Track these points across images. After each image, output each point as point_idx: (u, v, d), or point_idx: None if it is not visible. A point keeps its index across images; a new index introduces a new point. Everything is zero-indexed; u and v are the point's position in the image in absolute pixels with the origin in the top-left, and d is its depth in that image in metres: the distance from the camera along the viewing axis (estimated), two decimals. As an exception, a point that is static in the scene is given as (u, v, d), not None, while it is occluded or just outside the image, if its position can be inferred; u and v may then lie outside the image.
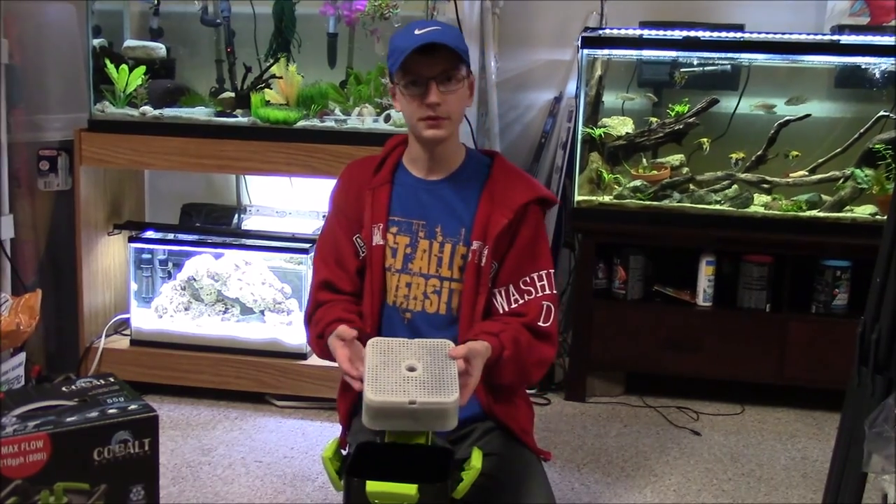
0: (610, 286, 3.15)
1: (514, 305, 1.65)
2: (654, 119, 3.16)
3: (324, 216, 3.14)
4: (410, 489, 1.38)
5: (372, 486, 1.40)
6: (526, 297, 1.65)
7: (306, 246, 2.90)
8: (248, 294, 2.99)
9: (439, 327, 1.68)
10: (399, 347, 1.48)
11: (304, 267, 2.96)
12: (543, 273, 1.66)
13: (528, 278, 1.66)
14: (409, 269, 1.69)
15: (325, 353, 1.65)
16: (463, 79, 1.61)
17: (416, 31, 1.57)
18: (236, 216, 3.18)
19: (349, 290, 1.72)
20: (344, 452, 1.57)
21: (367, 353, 1.46)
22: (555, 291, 1.67)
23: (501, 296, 1.66)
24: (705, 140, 3.09)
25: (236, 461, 2.56)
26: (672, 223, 3.05)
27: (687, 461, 2.66)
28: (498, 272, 1.66)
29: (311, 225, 3.08)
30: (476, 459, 1.47)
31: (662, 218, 3.07)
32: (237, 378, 2.94)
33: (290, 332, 2.95)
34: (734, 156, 3.09)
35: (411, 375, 1.42)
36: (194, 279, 3.03)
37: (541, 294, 1.65)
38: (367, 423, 1.41)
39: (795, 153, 3.07)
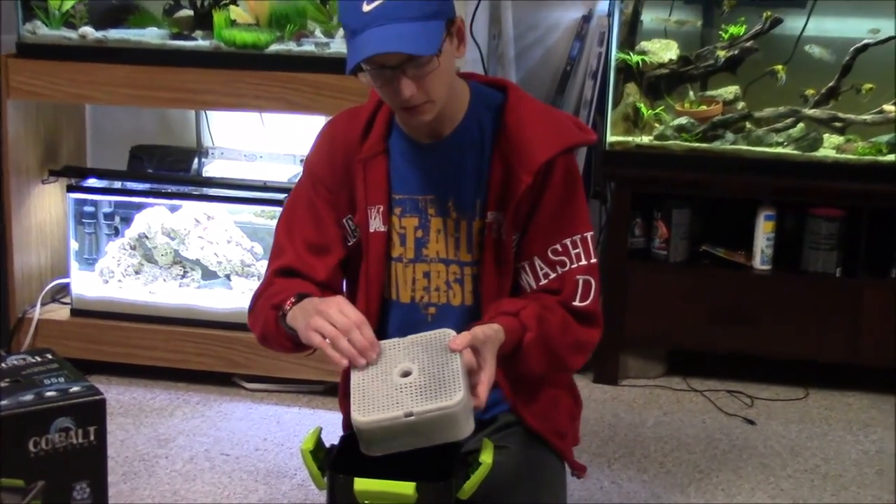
0: (648, 246, 3.15)
1: (543, 282, 1.63)
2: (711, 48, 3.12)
3: (301, 160, 3.14)
4: (407, 488, 1.39)
5: (361, 484, 1.40)
6: (559, 269, 1.62)
7: (281, 197, 2.89)
8: (212, 255, 2.99)
9: (469, 322, 1.63)
10: (389, 350, 1.47)
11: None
12: (578, 238, 1.63)
13: (558, 246, 1.63)
14: (423, 256, 1.67)
15: (279, 340, 1.60)
16: (439, 54, 1.50)
17: (365, 7, 1.46)
18: (196, 161, 3.18)
19: (322, 279, 1.68)
20: (328, 445, 1.57)
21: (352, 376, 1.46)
22: (594, 260, 1.64)
23: (527, 272, 1.64)
24: (780, 68, 3.05)
25: (199, 454, 2.57)
26: (724, 169, 3.05)
27: (738, 455, 2.68)
28: (521, 243, 1.65)
29: (287, 171, 3.08)
30: (486, 454, 1.47)
31: (712, 163, 3.06)
32: (199, 356, 2.95)
33: None
34: (810, 92, 3.06)
35: (405, 382, 1.41)
36: (146, 237, 3.03)
37: (576, 265, 1.62)
38: (366, 451, 1.41)
39: (868, 86, 3.04)
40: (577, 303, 1.61)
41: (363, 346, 1.44)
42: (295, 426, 2.74)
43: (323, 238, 1.70)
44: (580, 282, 1.62)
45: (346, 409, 1.73)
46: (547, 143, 1.61)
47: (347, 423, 1.75)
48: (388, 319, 1.73)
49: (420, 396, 1.39)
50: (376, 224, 1.67)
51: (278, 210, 2.89)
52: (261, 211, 3.03)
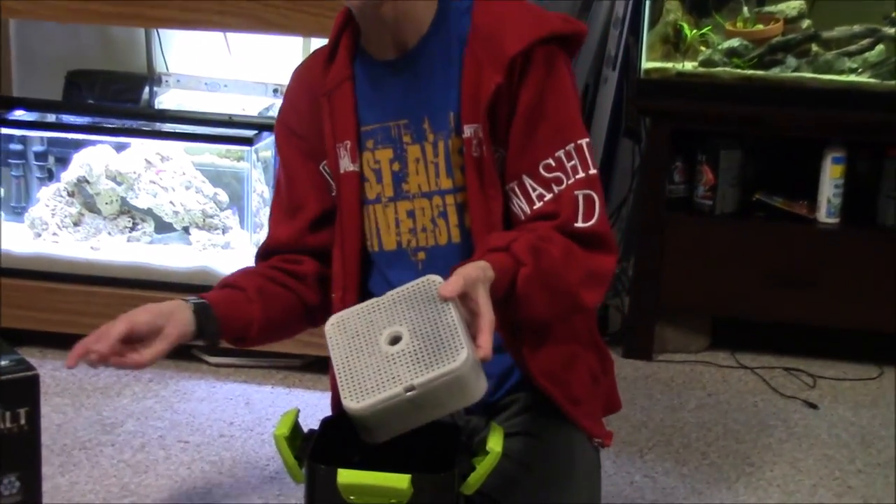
0: (691, 194, 3.15)
1: (538, 205, 1.64)
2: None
3: (276, 90, 3.12)
4: (401, 481, 1.39)
5: (346, 476, 1.40)
6: (554, 188, 1.64)
7: (250, 134, 2.88)
8: (166, 203, 2.98)
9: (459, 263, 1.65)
10: (369, 314, 1.47)
11: (246, 165, 2.95)
12: (572, 148, 1.64)
13: (550, 160, 1.64)
14: (405, 192, 1.70)
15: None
16: None
17: None
18: (147, 90, 3.17)
19: (285, 240, 1.75)
20: (306, 430, 1.57)
21: (330, 342, 1.46)
22: (593, 171, 1.64)
23: (518, 195, 1.66)
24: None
25: (152, 441, 2.58)
26: (784, 102, 3.03)
27: (797, 445, 2.68)
28: (506, 160, 1.66)
29: (257, 103, 3.07)
30: (495, 441, 1.48)
31: (770, 94, 3.05)
32: None
33: (227, 257, 2.96)
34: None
35: (397, 350, 1.42)
36: (87, 181, 3.02)
37: (572, 180, 1.63)
38: (369, 439, 1.42)
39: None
40: (579, 223, 1.62)
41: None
42: (267, 408, 2.75)
43: (294, 197, 1.75)
44: (580, 198, 1.62)
45: (334, 383, 1.76)
46: (520, 33, 1.62)
47: (337, 401, 1.77)
48: (372, 276, 1.74)
49: (418, 364, 1.39)
50: (345, 164, 1.69)
51: (247, 150, 2.91)
52: (226, 151, 3.02)
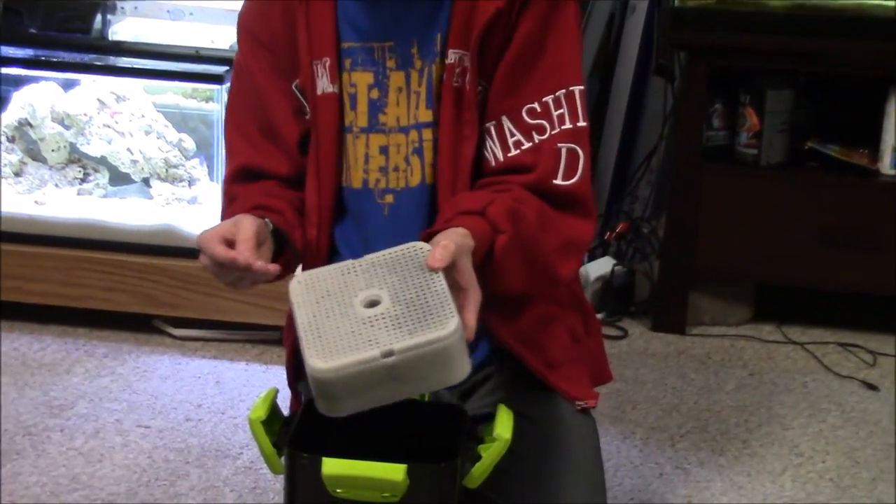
0: (732, 142, 3.15)
1: (513, 152, 1.66)
2: None
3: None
4: (395, 472, 1.39)
5: (332, 466, 1.40)
6: (535, 136, 1.65)
7: (220, 71, 2.87)
8: (123, 150, 2.98)
9: (432, 210, 1.70)
10: (343, 276, 1.47)
11: (216, 106, 2.94)
12: (562, 94, 1.66)
13: (536, 105, 1.66)
14: (380, 124, 1.71)
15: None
16: None
17: None
18: (99, 18, 3.13)
19: (286, 173, 1.75)
20: (286, 413, 1.57)
21: (295, 300, 1.45)
22: (583, 123, 1.66)
23: (493, 137, 1.67)
24: None
25: (107, 426, 2.59)
26: (843, 33, 3.02)
27: (854, 432, 2.68)
28: (488, 96, 1.67)
29: (228, 34, 3.02)
30: (503, 426, 1.48)
31: (826, 24, 3.03)
32: (107, 291, 2.97)
33: (194, 213, 2.96)
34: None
35: (375, 314, 1.42)
36: (29, 124, 3.02)
37: (558, 130, 1.65)
38: (325, 409, 1.41)
39: None
40: (558, 180, 1.64)
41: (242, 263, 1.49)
42: (241, 388, 2.76)
43: (270, 116, 1.74)
44: (563, 152, 1.64)
45: (294, 361, 1.79)
46: None
47: (294, 375, 1.81)
48: (345, 216, 1.74)
49: (399, 329, 1.39)
50: (324, 84, 1.69)
51: (217, 89, 2.89)
52: (192, 90, 3.02)
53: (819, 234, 3.07)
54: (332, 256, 1.71)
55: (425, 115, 1.69)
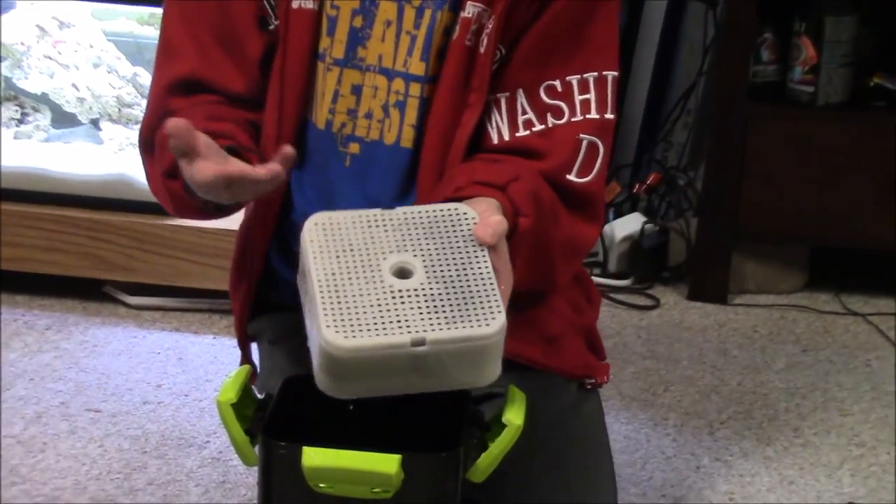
0: (784, 78, 3.15)
1: (521, 133, 1.68)
2: None
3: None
4: (387, 463, 1.39)
5: (314, 456, 1.40)
6: (550, 119, 1.67)
7: (180, -8, 2.86)
8: (68, 87, 2.99)
9: (406, 177, 1.72)
10: (369, 227, 1.46)
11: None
12: (592, 78, 1.68)
13: (557, 83, 1.67)
14: (358, 59, 1.70)
15: (183, 205, 1.66)
16: None
17: None
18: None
19: (239, 91, 1.75)
20: (261, 395, 1.57)
21: (311, 247, 1.44)
22: (610, 116, 1.69)
23: (500, 112, 1.69)
24: None
25: (51, 409, 2.59)
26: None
27: (927, 419, 2.71)
28: (504, 64, 1.69)
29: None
30: (514, 411, 1.48)
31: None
32: (49, 252, 2.97)
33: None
34: None
35: (406, 287, 1.41)
36: (-45, 56, 3.05)
37: (580, 118, 1.67)
38: (327, 387, 1.40)
39: None
40: (572, 176, 1.65)
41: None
42: (207, 365, 2.78)
43: (231, 21, 1.72)
44: (584, 144, 1.66)
45: (240, 300, 1.80)
46: None
47: (242, 326, 1.81)
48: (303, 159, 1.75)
49: (435, 314, 1.38)
50: None
51: None
52: (149, 15, 3.01)
53: (885, 188, 3.07)
54: (285, 206, 1.71)
55: (418, 67, 1.69)
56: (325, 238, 1.44)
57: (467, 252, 1.43)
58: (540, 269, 1.64)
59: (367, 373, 1.38)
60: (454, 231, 1.45)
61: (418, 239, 1.44)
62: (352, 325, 1.37)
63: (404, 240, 1.44)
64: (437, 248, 1.44)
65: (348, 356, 1.36)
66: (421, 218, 1.46)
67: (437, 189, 1.61)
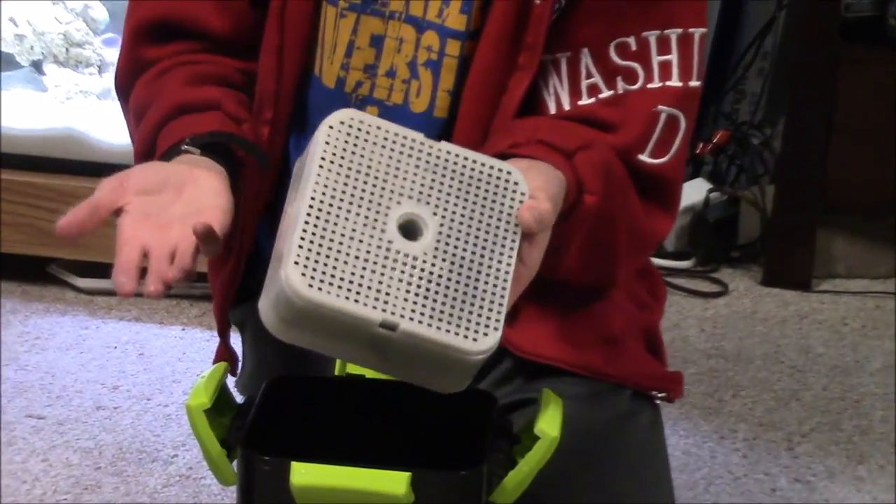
0: (882, 13, 3.15)
1: (584, 100, 1.68)
2: None
3: None
4: (394, 482, 1.38)
5: (304, 473, 1.40)
6: (620, 84, 1.68)
7: None
8: (5, 22, 3.02)
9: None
10: (402, 157, 1.47)
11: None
12: (674, 35, 1.68)
13: (631, 40, 1.67)
14: (378, 3, 1.71)
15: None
16: None
17: None
18: None
19: (222, 31, 1.77)
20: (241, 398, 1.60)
21: (321, 148, 1.44)
22: (696, 83, 1.68)
23: (559, 76, 1.70)
24: None
25: None
26: None
27: None
28: (562, 20, 1.67)
29: None
30: (549, 420, 1.47)
31: None
32: None
33: (105, 113, 3.02)
34: None
35: (406, 250, 1.42)
36: None
37: (657, 84, 1.68)
38: (275, 329, 1.41)
39: None
40: (645, 156, 1.66)
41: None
42: (174, 363, 2.80)
43: None
44: (662, 118, 1.66)
45: (221, 288, 1.83)
46: None
47: (223, 317, 1.84)
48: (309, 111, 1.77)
49: (425, 298, 1.40)
50: None
51: None
52: None
53: None
54: (283, 175, 1.69)
55: (456, 20, 1.69)
56: (346, 147, 1.45)
57: (496, 233, 1.44)
58: (598, 260, 1.68)
59: (319, 329, 1.40)
60: (493, 200, 1.45)
61: (448, 193, 1.45)
62: (323, 274, 1.38)
63: (431, 187, 1.45)
64: (463, 214, 1.44)
65: (303, 305, 1.37)
66: (463, 168, 1.46)
67: (489, 140, 1.61)
